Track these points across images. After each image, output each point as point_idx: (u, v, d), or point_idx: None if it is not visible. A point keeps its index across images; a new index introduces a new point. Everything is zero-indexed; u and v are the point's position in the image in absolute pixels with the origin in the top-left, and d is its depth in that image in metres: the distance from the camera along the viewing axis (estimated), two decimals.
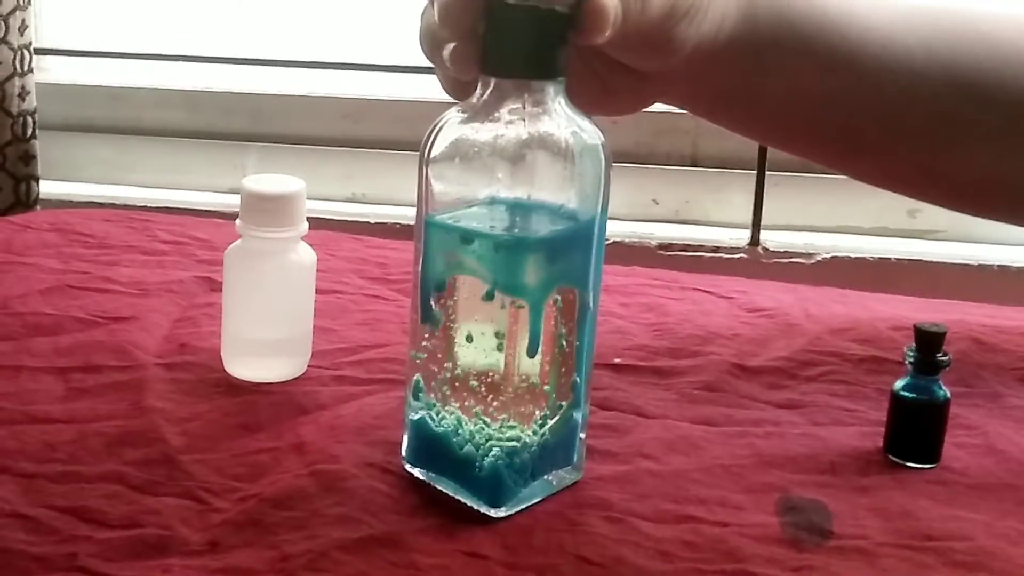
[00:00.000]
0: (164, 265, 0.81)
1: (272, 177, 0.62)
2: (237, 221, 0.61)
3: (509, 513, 0.49)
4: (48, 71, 1.31)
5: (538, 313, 0.48)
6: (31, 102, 1.16)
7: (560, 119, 0.49)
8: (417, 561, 0.44)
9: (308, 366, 0.63)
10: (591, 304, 0.51)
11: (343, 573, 0.43)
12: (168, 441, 0.53)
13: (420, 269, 0.50)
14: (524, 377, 0.48)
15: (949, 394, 0.56)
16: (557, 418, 0.50)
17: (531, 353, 0.48)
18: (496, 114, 0.48)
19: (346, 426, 0.56)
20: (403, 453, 0.52)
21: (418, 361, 0.51)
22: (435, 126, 0.50)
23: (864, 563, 0.46)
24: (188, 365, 0.63)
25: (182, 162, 1.29)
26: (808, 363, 0.68)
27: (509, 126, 0.48)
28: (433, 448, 0.50)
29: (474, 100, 0.49)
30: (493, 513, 0.48)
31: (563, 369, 0.50)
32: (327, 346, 0.66)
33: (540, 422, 0.49)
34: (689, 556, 0.46)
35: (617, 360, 0.67)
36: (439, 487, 0.50)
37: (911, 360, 0.55)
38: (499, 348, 0.48)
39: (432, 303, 0.50)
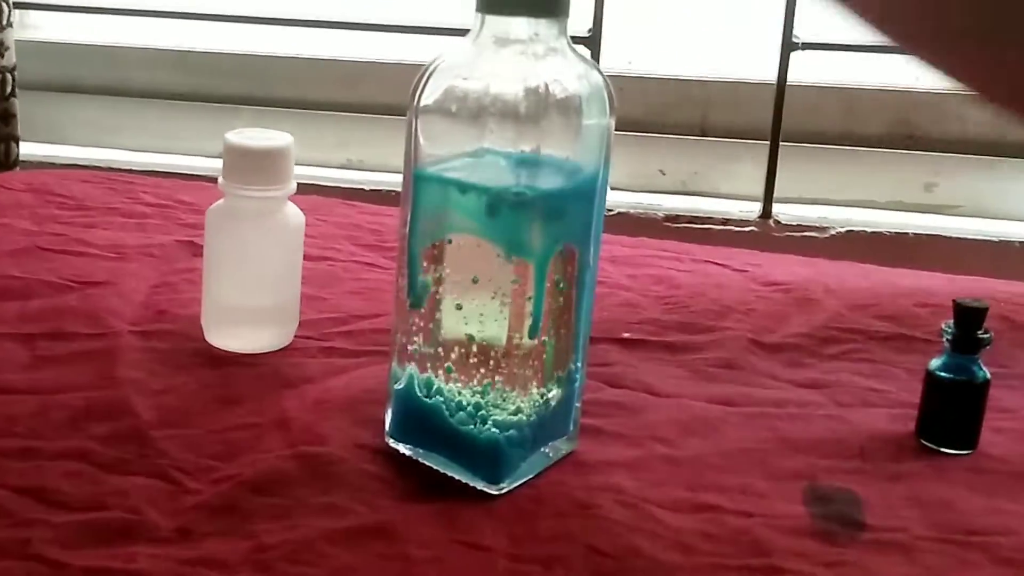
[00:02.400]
0: (145, 228, 0.76)
1: (258, 131, 0.57)
2: (219, 178, 0.56)
3: (509, 489, 0.44)
4: (32, 28, 1.26)
5: (543, 273, 0.44)
6: (10, 58, 1.11)
7: (565, 62, 0.44)
8: (411, 553, 0.40)
9: (294, 336, 0.58)
10: (591, 263, 0.46)
11: (328, 567, 0.39)
12: (139, 415, 0.49)
13: (408, 228, 0.46)
14: (523, 342, 0.44)
15: (989, 374, 0.51)
16: (556, 384, 0.46)
17: (535, 317, 0.44)
18: (494, 57, 0.44)
19: (334, 401, 0.51)
20: (387, 427, 0.48)
21: (405, 326, 0.46)
22: (425, 72, 0.45)
23: (903, 559, 0.42)
24: (165, 333, 0.58)
25: (171, 125, 1.24)
26: (830, 340, 0.64)
27: (508, 71, 0.43)
28: (421, 421, 0.46)
29: (469, 42, 0.45)
30: (492, 490, 0.44)
31: (562, 332, 0.46)
32: (315, 315, 0.61)
33: (540, 389, 0.45)
34: (710, 549, 0.42)
35: (626, 335, 0.63)
36: (427, 463, 0.46)
37: (949, 338, 0.51)
38: (498, 311, 0.43)
39: (421, 264, 0.45)
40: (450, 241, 0.45)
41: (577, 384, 0.48)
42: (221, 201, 0.57)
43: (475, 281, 0.44)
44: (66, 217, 0.77)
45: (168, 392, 0.51)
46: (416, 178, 0.46)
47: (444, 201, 0.45)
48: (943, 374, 0.51)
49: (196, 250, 0.72)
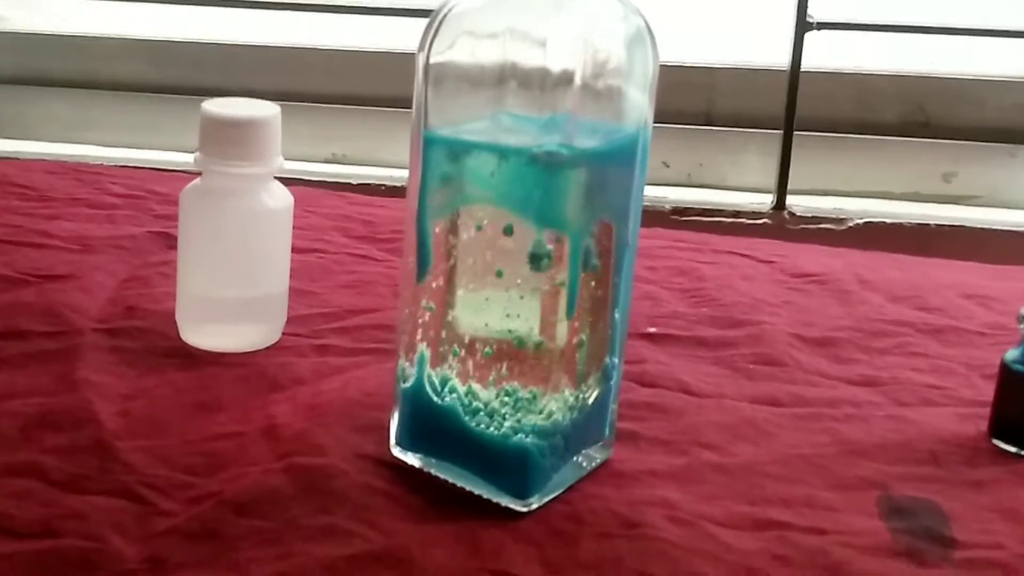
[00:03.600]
0: (114, 220, 0.69)
1: (239, 101, 0.51)
2: (195, 154, 0.50)
3: (540, 505, 0.38)
4: None
5: (578, 252, 0.37)
6: None
7: (600, 3, 0.38)
8: None
9: (283, 334, 0.52)
10: (630, 240, 0.40)
11: None
12: (102, 423, 0.42)
13: (417, 201, 0.39)
14: (555, 332, 0.37)
15: None
16: (592, 383, 0.40)
17: (570, 303, 0.37)
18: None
19: (330, 405, 0.45)
20: (392, 435, 0.41)
21: (414, 316, 0.40)
22: (437, 17, 0.38)
23: None
24: (135, 331, 0.51)
25: (146, 120, 1.16)
26: (877, 334, 0.58)
27: (532, 17, 0.37)
28: (434, 426, 0.39)
29: None
30: (520, 506, 0.38)
31: (599, 321, 0.39)
32: (306, 311, 0.55)
33: (574, 388, 0.39)
34: (784, 574, 0.35)
35: (652, 329, 0.56)
36: (441, 475, 0.39)
37: None
38: (523, 297, 0.37)
39: (433, 242, 0.39)
40: (467, 214, 0.38)
41: (614, 382, 0.41)
42: (197, 180, 0.51)
43: (497, 261, 0.37)
44: (26, 208, 0.70)
45: (136, 397, 0.44)
46: (426, 142, 0.39)
47: (460, 167, 0.38)
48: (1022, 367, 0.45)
49: (171, 242, 0.65)
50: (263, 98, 1.18)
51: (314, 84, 1.12)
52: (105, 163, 1.08)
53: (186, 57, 1.15)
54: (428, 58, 0.39)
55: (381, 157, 1.11)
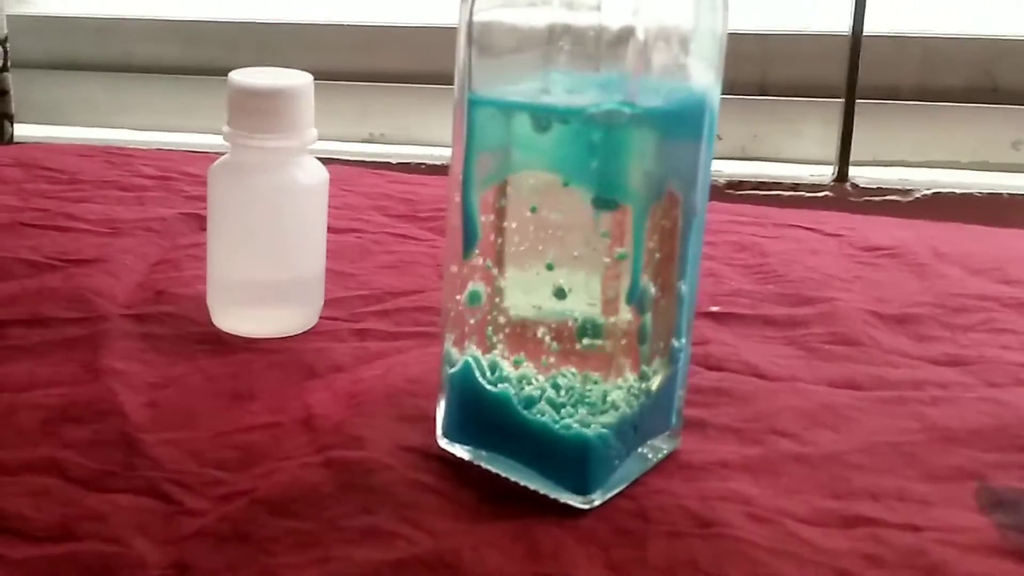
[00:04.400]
0: (144, 202, 0.66)
1: (269, 70, 0.47)
2: (224, 127, 0.46)
3: (603, 501, 0.34)
4: (26, 2, 1.16)
5: (642, 223, 0.33)
6: (1, 29, 1.02)
7: None
8: None
9: (320, 318, 0.48)
10: (699, 209, 0.36)
11: None
12: (127, 415, 0.39)
13: (461, 171, 0.36)
14: (617, 313, 0.34)
15: None
16: (659, 368, 0.36)
17: (634, 280, 0.33)
18: None
19: (370, 394, 0.41)
20: (439, 425, 0.38)
21: (461, 299, 0.36)
22: None
23: None
24: (165, 317, 0.48)
25: (178, 102, 1.14)
26: (960, 309, 0.53)
27: None
28: (485, 415, 0.36)
29: None
30: (581, 503, 0.34)
31: (665, 300, 0.36)
32: (343, 294, 0.52)
33: (638, 373, 0.35)
34: None
35: (714, 308, 0.52)
36: (493, 469, 0.36)
37: None
38: (584, 273, 0.33)
39: (478, 217, 0.35)
40: (518, 182, 0.35)
41: (681, 366, 0.38)
42: (226, 156, 0.47)
43: (552, 234, 0.34)
44: (55, 192, 0.67)
45: (165, 386, 0.41)
46: (470, 104, 0.35)
47: (509, 131, 0.35)
48: None
49: (203, 223, 0.62)
50: None
51: (350, 62, 1.09)
52: (136, 146, 1.06)
53: (219, 37, 1.13)
54: (472, 14, 0.35)
55: (420, 136, 1.07)
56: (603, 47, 0.33)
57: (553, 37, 0.34)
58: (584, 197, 0.33)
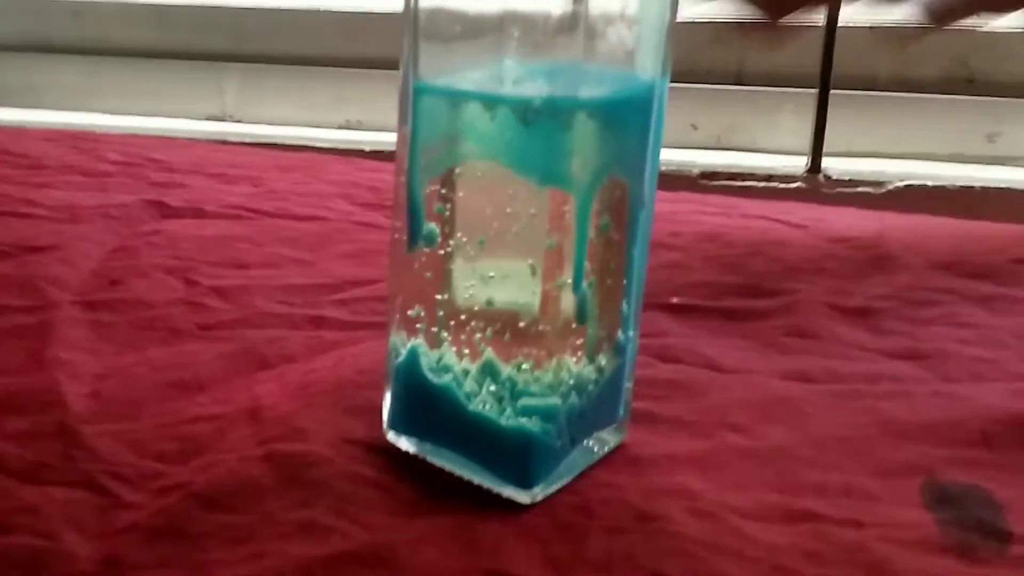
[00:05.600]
0: (107, 188, 0.66)
1: None
2: None
3: (545, 495, 0.34)
4: None
5: (587, 211, 0.33)
6: None
7: None
8: None
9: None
10: (646, 200, 0.36)
11: None
12: (68, 406, 0.38)
13: (407, 160, 0.35)
14: (561, 303, 0.33)
15: None
16: (603, 359, 0.36)
17: (577, 270, 0.33)
18: None
19: (320, 385, 0.41)
20: (384, 417, 0.37)
21: (405, 289, 0.36)
22: None
23: None
24: (117, 304, 0.48)
25: (153, 86, 1.13)
26: (920, 303, 0.53)
27: None
28: (429, 408, 0.36)
29: None
30: (523, 497, 0.34)
31: (610, 290, 0.35)
32: (303, 281, 0.51)
33: (583, 364, 0.35)
34: (818, 574, 0.31)
35: (675, 299, 0.52)
36: (437, 462, 0.35)
37: None
38: (528, 264, 0.33)
39: (424, 207, 0.35)
40: (463, 172, 0.34)
41: (628, 358, 0.37)
42: None
43: (496, 224, 0.34)
44: (17, 177, 0.67)
45: (110, 376, 0.41)
46: (417, 92, 0.35)
47: (455, 120, 0.34)
48: None
49: (165, 211, 0.62)
50: (275, 63, 1.13)
51: (327, 47, 1.08)
52: (110, 131, 1.06)
53: (194, 21, 1.12)
54: (416, 2, 0.35)
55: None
56: (551, 35, 0.33)
57: (502, 24, 0.33)
58: (528, 186, 0.33)
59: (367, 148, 1.01)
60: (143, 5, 1.13)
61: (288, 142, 0.98)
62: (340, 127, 1.09)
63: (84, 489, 0.33)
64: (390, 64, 1.17)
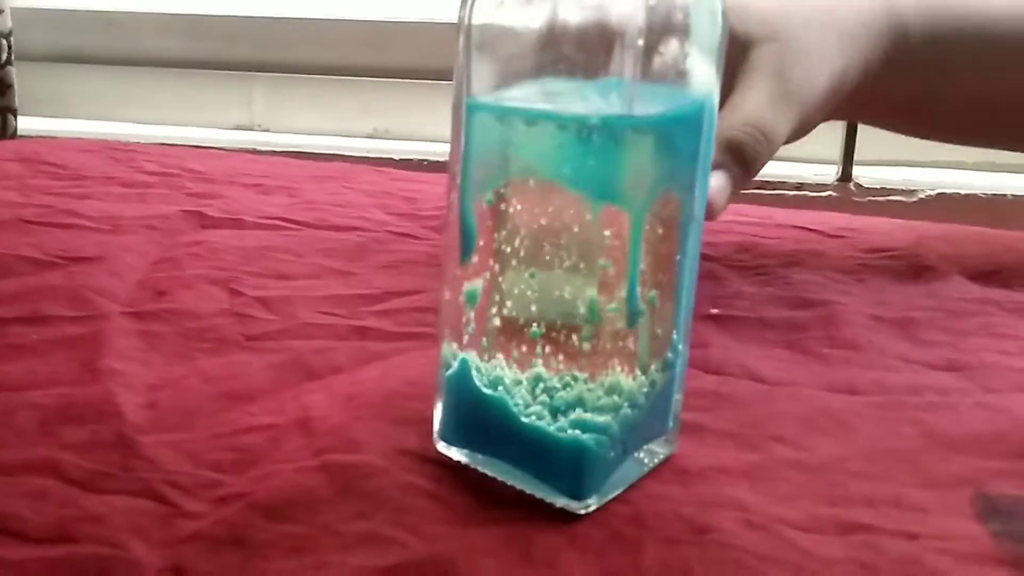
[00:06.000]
0: (147, 199, 0.66)
1: None
2: None
3: (599, 506, 0.34)
4: None
5: (640, 227, 0.33)
6: (5, 23, 1.02)
7: None
8: None
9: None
10: (697, 214, 0.36)
11: None
12: (125, 416, 0.39)
13: (459, 176, 0.36)
14: (615, 316, 0.34)
15: None
16: (656, 371, 0.36)
17: (631, 284, 0.33)
18: None
19: (368, 396, 0.41)
20: (436, 427, 0.38)
21: (457, 301, 0.36)
22: None
23: None
24: (165, 315, 0.48)
25: (182, 96, 1.15)
26: (960, 313, 0.53)
27: None
28: (481, 419, 0.36)
29: None
30: (577, 508, 0.34)
31: (663, 304, 0.36)
32: (344, 291, 0.52)
33: (636, 376, 0.35)
34: None
35: (714, 310, 0.52)
36: (489, 473, 0.36)
37: None
38: (582, 275, 0.33)
39: (476, 221, 0.35)
40: (516, 187, 0.35)
41: (679, 369, 0.38)
42: None
43: (549, 237, 0.34)
44: (58, 188, 0.68)
45: (164, 387, 0.41)
46: (469, 110, 0.35)
47: (508, 136, 0.35)
48: None
49: (205, 221, 0.62)
50: (302, 72, 1.14)
51: (354, 57, 1.09)
52: (140, 140, 1.07)
53: (223, 31, 1.13)
54: (470, 18, 0.35)
55: (424, 131, 1.07)
56: (602, 52, 0.33)
57: (553, 41, 0.34)
58: (583, 202, 0.33)
59: (396, 157, 1.02)
60: (172, 16, 1.14)
61: (316, 151, 0.99)
62: (368, 136, 1.10)
63: (146, 498, 0.34)
64: (416, 73, 1.17)
